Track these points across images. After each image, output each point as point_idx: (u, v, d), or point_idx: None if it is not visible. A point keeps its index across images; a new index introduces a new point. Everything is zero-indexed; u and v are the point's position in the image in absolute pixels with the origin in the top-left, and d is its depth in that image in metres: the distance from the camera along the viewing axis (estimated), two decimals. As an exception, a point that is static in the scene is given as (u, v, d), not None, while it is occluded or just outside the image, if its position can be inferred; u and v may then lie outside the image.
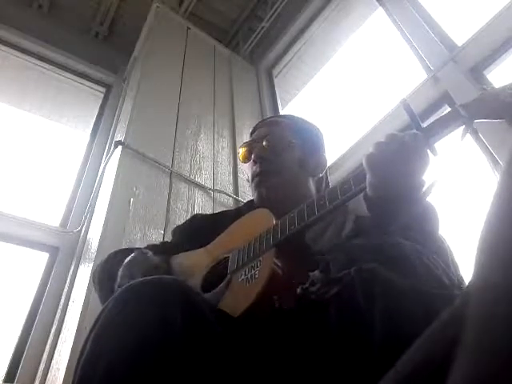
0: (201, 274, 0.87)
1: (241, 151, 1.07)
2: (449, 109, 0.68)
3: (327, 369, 0.48)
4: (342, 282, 0.51)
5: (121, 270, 0.87)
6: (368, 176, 0.68)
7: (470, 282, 0.21)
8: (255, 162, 1.00)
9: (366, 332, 0.45)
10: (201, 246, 0.95)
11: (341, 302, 0.50)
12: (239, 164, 2.18)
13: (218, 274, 0.83)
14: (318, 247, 0.79)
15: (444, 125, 0.69)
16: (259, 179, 0.98)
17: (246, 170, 1.09)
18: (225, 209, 1.99)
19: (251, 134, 1.11)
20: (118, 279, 0.86)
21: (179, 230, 1.10)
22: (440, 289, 0.51)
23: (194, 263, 0.92)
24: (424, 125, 0.71)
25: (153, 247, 1.05)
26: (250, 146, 1.04)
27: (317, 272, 0.57)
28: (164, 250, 1.01)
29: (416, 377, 0.22)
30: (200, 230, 1.03)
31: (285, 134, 1.03)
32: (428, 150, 0.68)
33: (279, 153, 0.99)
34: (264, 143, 1.01)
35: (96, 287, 0.99)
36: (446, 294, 0.49)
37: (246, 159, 1.05)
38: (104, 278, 0.95)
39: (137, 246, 1.08)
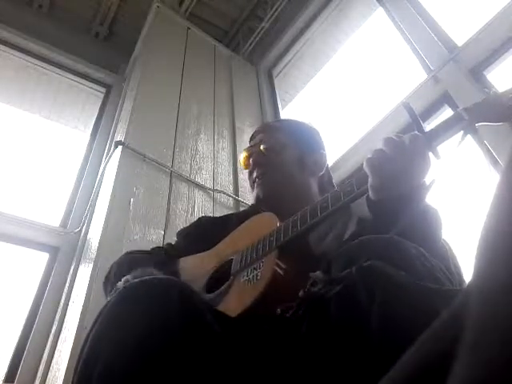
0: (206, 275, 0.88)
1: (241, 158, 1.11)
2: (449, 109, 0.69)
3: (328, 367, 0.48)
4: (343, 281, 0.51)
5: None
6: (370, 179, 0.69)
7: (469, 282, 0.21)
8: (254, 167, 1.04)
9: (365, 328, 0.45)
10: (207, 249, 0.96)
11: (341, 301, 0.50)
12: (239, 164, 2.18)
13: (222, 276, 0.83)
14: (320, 250, 0.80)
15: (446, 128, 0.69)
16: (257, 183, 1.01)
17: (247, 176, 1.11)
18: (225, 209, 1.99)
19: (250, 140, 1.14)
20: None
21: (185, 233, 1.11)
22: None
23: (200, 265, 0.93)
24: (425, 126, 0.71)
25: (158, 250, 1.06)
26: (249, 152, 1.08)
27: (318, 272, 0.57)
28: (169, 253, 1.01)
29: (416, 377, 0.22)
30: (206, 233, 1.03)
31: (280, 137, 1.06)
32: (431, 153, 0.68)
33: (276, 155, 1.02)
34: (261, 147, 1.04)
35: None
36: (444, 289, 0.49)
37: (246, 165, 1.08)
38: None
39: (139, 249, 1.08)
